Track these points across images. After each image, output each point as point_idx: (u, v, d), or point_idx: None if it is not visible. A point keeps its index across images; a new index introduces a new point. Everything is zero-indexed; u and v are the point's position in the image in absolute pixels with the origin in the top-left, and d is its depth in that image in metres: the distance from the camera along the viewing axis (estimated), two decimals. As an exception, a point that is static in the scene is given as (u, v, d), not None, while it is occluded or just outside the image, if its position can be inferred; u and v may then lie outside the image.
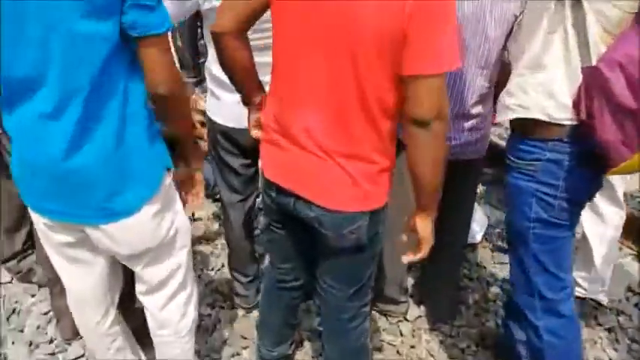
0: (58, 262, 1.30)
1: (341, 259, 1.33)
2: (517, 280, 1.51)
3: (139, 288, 1.34)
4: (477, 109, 1.61)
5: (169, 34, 1.11)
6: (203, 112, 2.99)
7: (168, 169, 1.24)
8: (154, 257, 1.27)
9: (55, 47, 0.98)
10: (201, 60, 4.31)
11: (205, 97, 4.09)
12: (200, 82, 4.23)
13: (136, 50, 1.07)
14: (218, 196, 2.14)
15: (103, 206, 1.12)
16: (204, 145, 3.15)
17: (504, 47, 1.53)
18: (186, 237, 1.32)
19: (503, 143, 2.62)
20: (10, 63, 1.01)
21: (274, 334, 1.68)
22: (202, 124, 2.81)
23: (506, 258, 2.49)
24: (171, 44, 1.17)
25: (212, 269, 2.33)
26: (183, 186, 1.37)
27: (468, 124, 1.62)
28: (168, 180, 1.23)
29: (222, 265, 2.33)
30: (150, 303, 1.36)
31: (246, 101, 1.36)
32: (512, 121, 1.40)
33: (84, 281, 1.31)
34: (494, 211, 2.82)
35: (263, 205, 1.44)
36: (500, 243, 2.58)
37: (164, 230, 1.23)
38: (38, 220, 1.22)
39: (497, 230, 2.68)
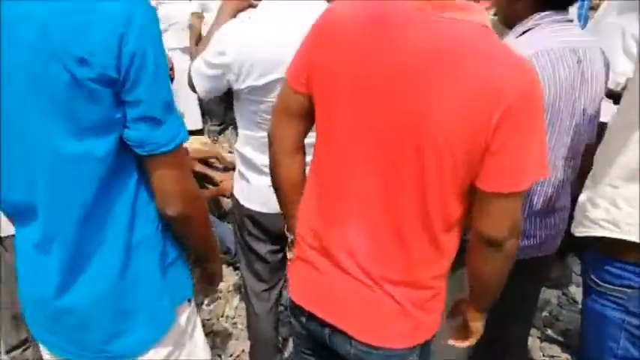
0: None
1: None
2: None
3: None
4: (560, 203, 1.40)
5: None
6: (227, 168, 2.88)
7: (188, 300, 1.05)
8: None
9: (40, 172, 0.83)
10: (225, 105, 4.20)
11: (229, 146, 3.94)
12: (223, 130, 4.12)
13: (143, 166, 0.90)
14: (240, 265, 1.95)
15: (100, 348, 0.94)
16: (227, 202, 3.01)
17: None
18: None
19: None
20: (2, 186, 0.87)
21: None
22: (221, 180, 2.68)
23: (557, 350, 2.23)
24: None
25: (231, 356, 2.12)
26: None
27: (550, 221, 1.41)
28: (185, 314, 1.04)
29: (243, 351, 2.11)
30: None
31: (286, 218, 1.20)
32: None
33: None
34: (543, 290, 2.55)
35: (291, 326, 1.24)
36: (550, 332, 2.31)
37: None
38: (43, 349, 1.05)
39: (545, 314, 2.42)
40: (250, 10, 1.52)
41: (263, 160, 1.44)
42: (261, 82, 1.38)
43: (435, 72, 0.85)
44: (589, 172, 1.24)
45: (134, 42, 0.79)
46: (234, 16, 1.50)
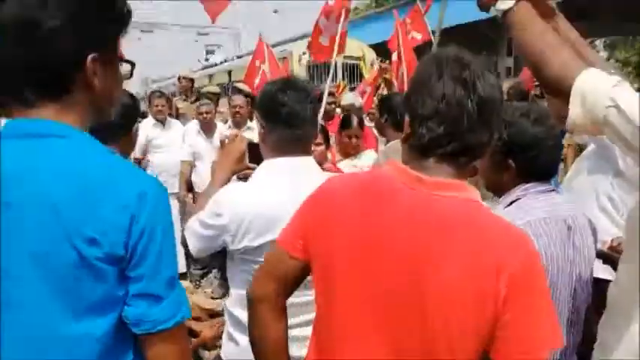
0: None
1: None
2: None
3: None
4: None
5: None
6: (210, 314, 2.74)
7: None
8: None
9: (33, 352, 0.78)
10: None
11: (211, 291, 3.79)
12: (206, 273, 4.03)
13: (139, 344, 0.85)
14: None
15: None
16: (207, 355, 2.81)
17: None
18: None
19: None
20: None
21: None
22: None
23: None
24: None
25: None
26: None
27: None
28: None
29: None
30: None
31: None
32: None
33: None
34: None
35: None
36: None
37: None
38: None
39: None
40: (247, 171, 1.58)
41: (254, 321, 1.38)
42: (256, 242, 1.38)
43: (434, 241, 0.87)
44: (592, 337, 1.21)
45: (145, 220, 0.79)
46: (230, 178, 1.56)
